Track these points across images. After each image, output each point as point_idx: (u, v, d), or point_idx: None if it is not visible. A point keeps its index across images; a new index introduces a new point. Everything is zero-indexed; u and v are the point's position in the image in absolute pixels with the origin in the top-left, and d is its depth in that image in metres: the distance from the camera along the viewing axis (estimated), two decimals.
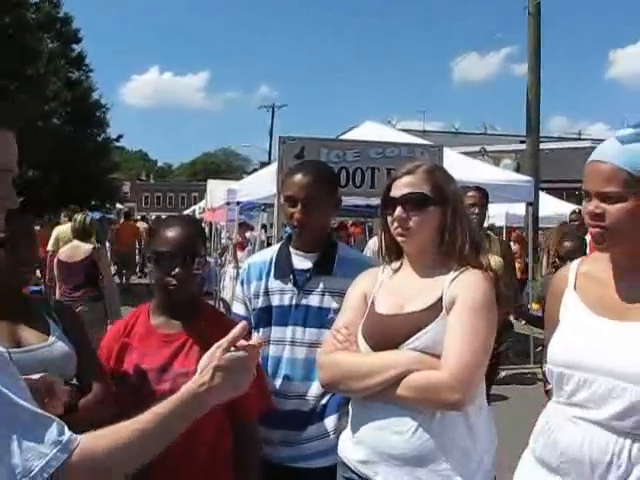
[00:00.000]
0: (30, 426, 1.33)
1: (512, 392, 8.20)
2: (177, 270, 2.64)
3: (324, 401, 3.02)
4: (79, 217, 8.36)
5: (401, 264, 2.68)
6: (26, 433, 1.30)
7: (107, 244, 15.42)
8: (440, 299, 2.46)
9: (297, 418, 3.02)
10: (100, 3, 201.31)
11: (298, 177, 3.04)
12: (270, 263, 3.16)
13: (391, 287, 2.64)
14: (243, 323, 1.84)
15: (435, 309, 2.45)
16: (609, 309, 2.20)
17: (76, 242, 8.19)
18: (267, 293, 3.11)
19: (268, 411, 2.89)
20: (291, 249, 3.15)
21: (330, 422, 3.01)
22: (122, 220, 25.63)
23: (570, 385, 2.20)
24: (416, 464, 2.38)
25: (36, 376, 2.18)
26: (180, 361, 2.67)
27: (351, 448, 2.59)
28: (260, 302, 3.11)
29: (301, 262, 3.11)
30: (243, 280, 3.21)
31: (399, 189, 2.57)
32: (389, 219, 2.60)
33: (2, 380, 1.26)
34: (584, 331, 2.22)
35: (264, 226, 15.54)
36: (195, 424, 2.59)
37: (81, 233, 8.22)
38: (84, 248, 8.00)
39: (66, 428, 1.45)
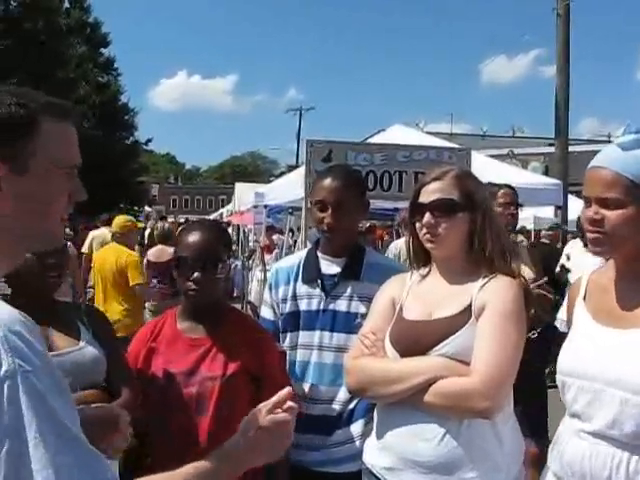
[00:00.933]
0: (86, 464, 1.21)
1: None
2: (196, 275, 2.66)
3: (352, 406, 3.01)
4: (159, 224, 9.61)
5: (429, 270, 2.67)
6: (81, 473, 1.19)
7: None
8: (469, 305, 2.44)
9: (325, 423, 3.02)
10: (129, 8, 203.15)
11: (328, 181, 3.04)
12: (298, 268, 3.16)
13: (419, 293, 2.63)
14: (289, 388, 1.85)
15: (464, 315, 2.43)
16: (610, 317, 2.21)
17: (160, 246, 9.03)
18: (295, 298, 3.11)
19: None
20: (319, 254, 3.14)
21: (358, 427, 3.01)
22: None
23: (571, 393, 2.22)
24: (443, 472, 2.36)
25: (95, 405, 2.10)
26: (207, 365, 2.68)
27: (376, 454, 2.57)
28: (288, 307, 3.11)
29: (329, 267, 3.11)
30: (271, 284, 3.21)
31: (428, 195, 2.55)
32: (417, 225, 2.58)
33: (63, 409, 1.22)
34: (586, 340, 2.24)
35: (291, 230, 15.57)
36: (222, 431, 2.62)
37: (163, 237, 9.11)
38: (169, 250, 8.37)
39: (116, 471, 1.42)
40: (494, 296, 2.41)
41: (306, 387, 3.04)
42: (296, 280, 3.13)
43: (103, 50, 35.43)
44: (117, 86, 36.37)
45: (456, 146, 10.69)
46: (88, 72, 31.37)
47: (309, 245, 3.37)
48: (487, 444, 2.38)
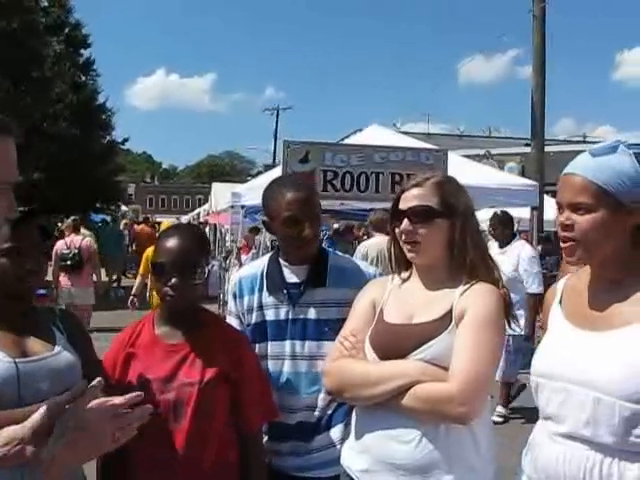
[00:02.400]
0: None
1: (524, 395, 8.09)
2: (173, 281, 2.65)
3: (330, 411, 3.01)
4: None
5: (410, 274, 2.68)
6: None
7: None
8: (450, 311, 2.46)
9: (304, 429, 3.01)
10: (106, 5, 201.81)
11: (293, 195, 2.95)
12: (262, 277, 3.11)
13: (400, 297, 2.64)
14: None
15: (444, 321, 2.45)
16: (585, 320, 2.24)
17: None
18: (261, 307, 3.06)
19: (273, 420, 2.91)
20: (281, 261, 3.09)
21: (337, 431, 3.00)
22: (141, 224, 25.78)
23: (544, 395, 2.24)
24: (419, 475, 2.38)
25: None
26: (185, 371, 2.67)
27: (353, 457, 2.59)
28: (254, 317, 3.07)
29: (293, 275, 3.06)
30: (235, 294, 3.14)
31: (407, 201, 2.56)
32: (397, 231, 2.60)
33: None
34: (561, 342, 2.27)
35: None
36: (199, 437, 2.62)
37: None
38: None
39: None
40: (474, 302, 2.43)
41: (282, 397, 3.00)
42: (261, 290, 3.08)
43: (83, 51, 35.17)
44: (94, 86, 36.11)
45: (433, 147, 10.74)
46: (65, 71, 31.09)
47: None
48: (464, 448, 2.40)
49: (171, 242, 2.69)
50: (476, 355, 2.33)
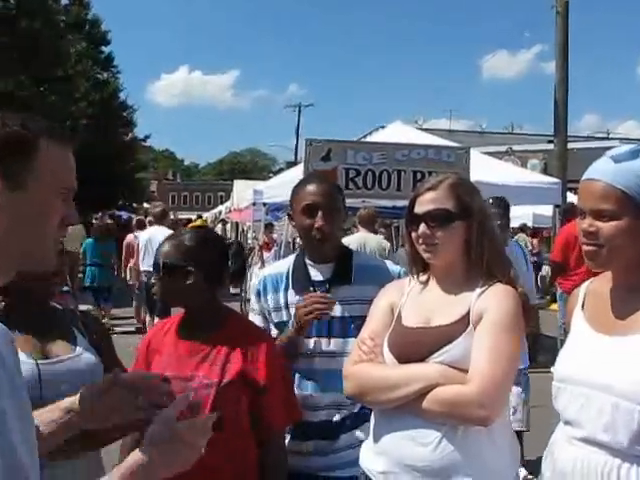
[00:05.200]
0: None
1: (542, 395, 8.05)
2: (153, 279, 2.74)
3: (356, 410, 3.01)
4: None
5: (429, 276, 2.67)
6: None
7: None
8: (467, 313, 2.44)
9: (329, 428, 3.01)
10: (129, 2, 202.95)
11: (314, 186, 3.03)
12: (287, 276, 3.12)
13: (418, 300, 2.63)
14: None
15: (462, 323, 2.43)
16: (606, 325, 2.22)
17: None
18: (287, 306, 3.07)
19: (295, 423, 2.90)
20: (307, 260, 3.11)
21: (362, 433, 2.98)
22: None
23: (563, 399, 2.23)
24: (438, 477, 2.36)
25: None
26: (204, 371, 2.67)
27: (372, 459, 2.57)
28: (281, 315, 3.08)
29: (318, 273, 3.08)
30: (259, 292, 3.16)
31: (423, 205, 2.54)
32: (414, 235, 2.58)
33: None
34: (582, 347, 2.25)
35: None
36: (218, 441, 2.59)
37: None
38: None
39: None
40: (492, 305, 2.42)
41: (308, 395, 3.01)
42: (287, 289, 3.10)
43: (103, 48, 35.44)
44: (116, 83, 36.36)
45: (455, 145, 10.69)
46: (87, 69, 31.33)
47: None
48: (483, 450, 2.38)
49: (163, 245, 2.83)
50: (495, 357, 2.32)
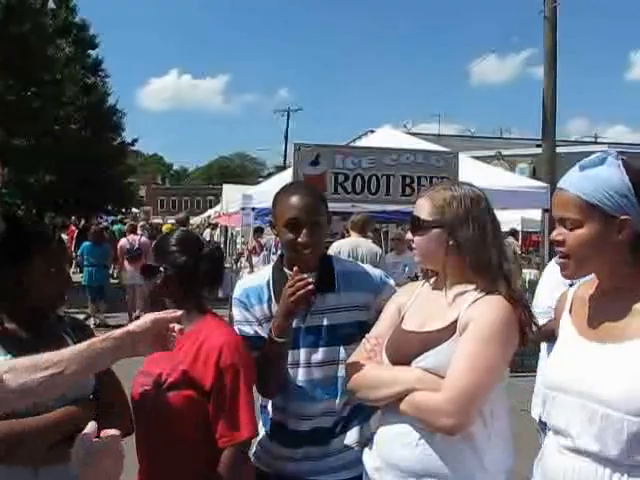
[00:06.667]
0: None
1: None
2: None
3: (345, 414, 3.00)
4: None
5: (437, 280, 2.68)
6: None
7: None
8: (456, 321, 2.44)
9: (320, 435, 2.99)
10: (118, 5, 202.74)
11: (297, 199, 2.95)
12: (268, 288, 3.06)
13: (421, 303, 2.65)
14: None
15: (449, 330, 2.44)
16: (593, 331, 2.21)
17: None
18: (271, 318, 2.96)
19: (285, 427, 2.91)
20: (286, 270, 3.03)
21: (354, 434, 3.00)
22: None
23: (554, 407, 2.22)
24: (418, 477, 2.39)
25: None
26: (152, 368, 2.73)
27: (369, 454, 2.64)
28: (266, 327, 2.96)
29: None
30: (245, 303, 3.05)
31: (414, 210, 2.62)
32: None
33: None
34: (569, 353, 2.25)
35: None
36: (168, 439, 2.60)
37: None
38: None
39: None
40: (479, 315, 2.40)
41: (297, 404, 2.98)
42: (270, 300, 3.02)
43: (91, 52, 35.37)
44: (104, 87, 36.31)
45: (444, 150, 10.73)
46: (75, 73, 31.25)
47: None
48: (463, 457, 2.38)
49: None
50: (470, 367, 2.31)
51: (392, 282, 3.15)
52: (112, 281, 19.07)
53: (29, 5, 22.00)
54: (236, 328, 3.04)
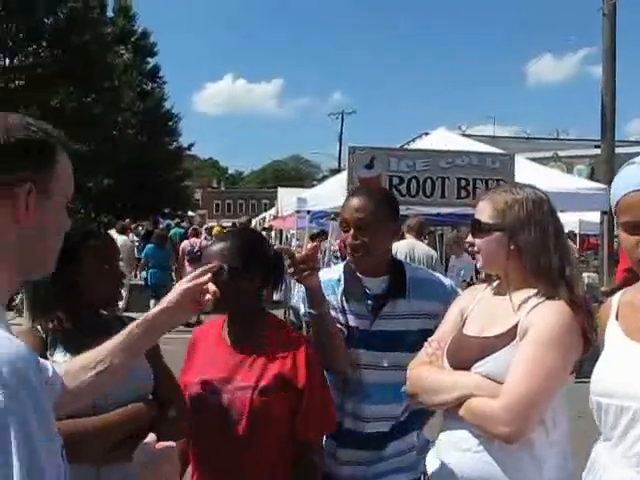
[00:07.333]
0: None
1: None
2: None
3: (403, 419, 3.00)
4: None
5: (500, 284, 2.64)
6: None
7: None
8: (516, 326, 2.39)
9: (378, 439, 2.99)
10: (173, 12, 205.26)
11: (353, 200, 2.98)
12: (339, 284, 3.07)
13: (483, 308, 2.60)
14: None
15: (509, 336, 2.38)
16: None
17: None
18: (344, 312, 3.02)
19: (332, 432, 2.86)
20: (358, 274, 3.04)
21: (410, 439, 3.00)
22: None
23: (608, 416, 2.16)
24: None
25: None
26: (242, 374, 2.66)
27: (431, 459, 2.61)
28: (337, 319, 2.99)
29: (372, 286, 3.03)
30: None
31: (475, 213, 2.57)
32: None
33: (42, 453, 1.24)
34: (621, 359, 2.18)
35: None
36: (252, 447, 2.60)
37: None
38: None
39: None
40: (539, 321, 2.34)
41: (357, 406, 2.99)
42: (342, 295, 3.04)
43: (149, 59, 35.96)
44: (161, 93, 36.84)
45: (499, 151, 10.62)
46: (133, 80, 31.81)
47: None
48: (522, 465, 2.34)
49: (216, 245, 2.81)
50: (529, 374, 2.26)
51: (461, 292, 3.11)
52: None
53: (89, 15, 22.51)
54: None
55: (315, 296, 2.81)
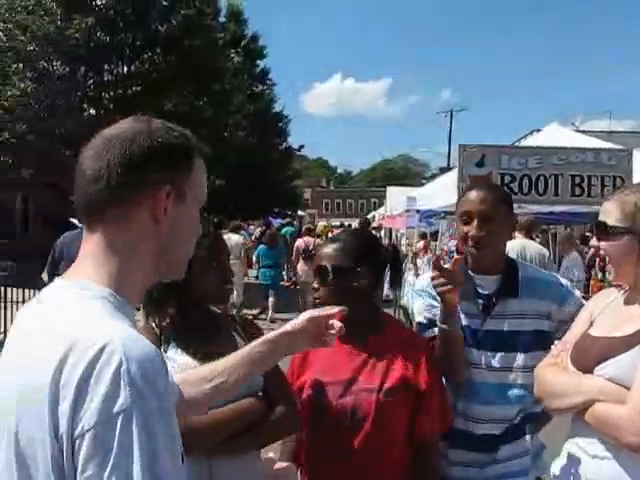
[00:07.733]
0: None
1: None
2: (315, 285, 2.75)
3: (517, 422, 2.95)
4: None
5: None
6: None
7: None
8: None
9: (490, 441, 2.95)
10: (282, 14, 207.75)
11: (474, 193, 2.96)
12: None
13: (613, 310, 2.51)
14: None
15: (634, 339, 2.29)
16: None
17: None
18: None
19: (452, 433, 2.86)
20: (470, 272, 3.00)
21: (523, 443, 2.95)
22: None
23: None
24: None
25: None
26: (365, 376, 2.68)
27: (557, 462, 2.54)
28: None
29: (484, 285, 3.00)
30: (431, 294, 2.98)
31: (600, 215, 2.47)
32: None
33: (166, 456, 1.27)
34: None
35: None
36: (377, 448, 2.61)
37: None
38: None
39: None
40: None
41: (470, 407, 2.96)
42: None
43: (259, 62, 36.57)
44: (270, 95, 37.37)
45: (616, 147, 10.28)
46: (243, 82, 32.41)
47: None
48: None
49: (323, 248, 2.83)
50: None
51: (578, 293, 3.06)
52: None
53: (203, 22, 23.12)
54: (418, 318, 3.08)
55: (452, 313, 2.79)
